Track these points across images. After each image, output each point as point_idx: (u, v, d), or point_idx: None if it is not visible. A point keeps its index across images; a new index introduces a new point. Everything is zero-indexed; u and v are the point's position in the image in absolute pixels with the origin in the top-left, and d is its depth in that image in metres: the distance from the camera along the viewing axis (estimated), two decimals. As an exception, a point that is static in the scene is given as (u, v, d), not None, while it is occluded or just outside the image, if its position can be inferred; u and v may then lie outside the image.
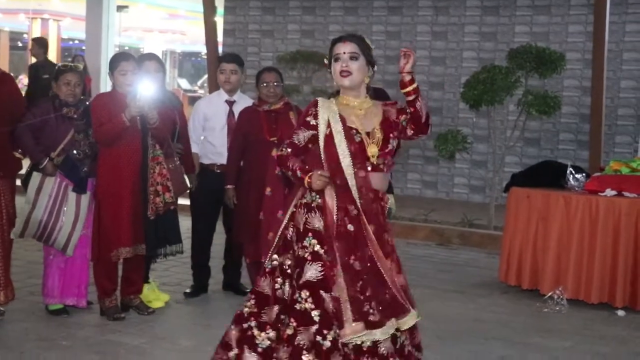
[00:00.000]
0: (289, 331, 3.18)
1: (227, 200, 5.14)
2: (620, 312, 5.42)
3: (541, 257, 5.74)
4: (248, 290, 5.43)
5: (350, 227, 3.18)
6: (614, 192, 5.60)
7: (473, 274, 6.61)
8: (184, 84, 22.36)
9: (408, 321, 3.18)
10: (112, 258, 4.70)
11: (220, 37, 11.85)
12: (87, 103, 4.83)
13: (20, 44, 22.03)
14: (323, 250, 3.17)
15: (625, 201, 5.50)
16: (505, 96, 7.79)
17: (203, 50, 13.27)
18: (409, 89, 3.20)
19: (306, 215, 3.23)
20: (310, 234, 3.21)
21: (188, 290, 5.45)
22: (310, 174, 3.22)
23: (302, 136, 3.30)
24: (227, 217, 5.36)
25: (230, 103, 5.41)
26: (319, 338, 3.14)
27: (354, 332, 3.06)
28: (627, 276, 5.45)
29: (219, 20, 11.88)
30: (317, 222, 3.21)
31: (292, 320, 3.19)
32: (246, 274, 5.50)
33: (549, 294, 5.53)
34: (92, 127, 4.66)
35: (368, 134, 3.26)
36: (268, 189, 4.89)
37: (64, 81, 4.74)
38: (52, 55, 17.71)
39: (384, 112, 3.34)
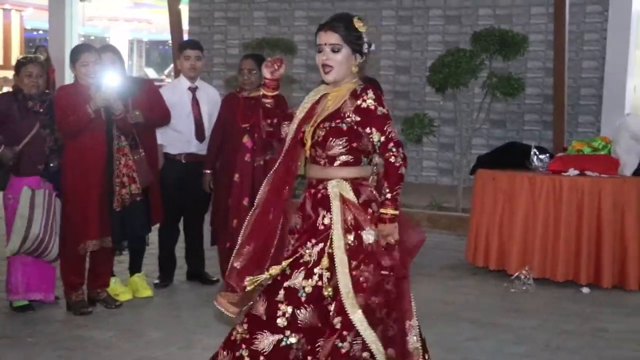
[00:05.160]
0: None
1: (204, 186, 5.20)
2: (585, 289, 5.52)
3: (507, 237, 5.81)
4: (214, 279, 5.48)
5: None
6: (576, 172, 5.68)
7: (442, 256, 6.66)
8: (151, 73, 22.13)
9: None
10: (79, 251, 4.66)
11: (185, 25, 11.75)
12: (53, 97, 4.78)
13: (-18, 36, 21.58)
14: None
15: (587, 180, 5.59)
16: (470, 79, 7.83)
17: (170, 38, 13.15)
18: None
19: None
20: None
21: (157, 281, 5.44)
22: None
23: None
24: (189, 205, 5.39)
25: (193, 89, 5.39)
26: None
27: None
28: (590, 254, 5.54)
29: (185, 8, 11.77)
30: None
31: None
32: (211, 263, 5.54)
33: (516, 274, 5.60)
34: (56, 120, 4.61)
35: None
36: (236, 176, 4.91)
37: (25, 73, 4.66)
38: (15, 46, 17.45)
39: (342, 103, 3.00)
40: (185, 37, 11.00)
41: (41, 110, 4.65)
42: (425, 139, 8.24)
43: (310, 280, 2.92)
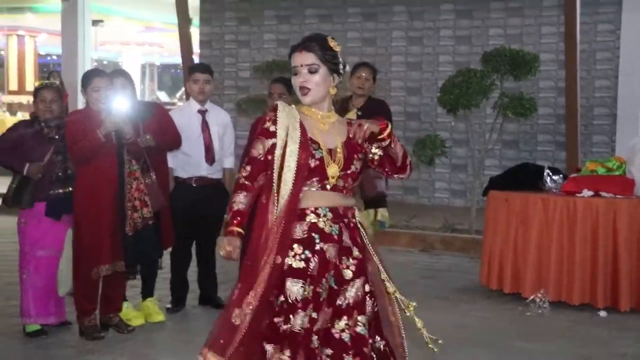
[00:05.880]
0: None
1: None
2: (603, 313, 5.43)
3: (522, 260, 5.74)
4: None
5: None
6: (590, 193, 5.62)
7: (456, 279, 6.61)
8: (163, 96, 22.26)
9: None
10: (92, 276, 4.65)
11: (197, 48, 11.83)
12: None
13: (-3, 61, 21.82)
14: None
15: (602, 201, 5.52)
16: (481, 99, 7.81)
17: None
18: (383, 135, 2.86)
19: None
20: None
21: (169, 306, 5.41)
22: (234, 230, 2.83)
23: (261, 147, 2.88)
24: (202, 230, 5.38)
25: (203, 112, 5.40)
26: None
27: None
28: (607, 276, 5.46)
29: (195, 31, 11.85)
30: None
31: None
32: (223, 287, 5.52)
33: (531, 297, 5.53)
34: (67, 145, 4.62)
35: (330, 151, 2.86)
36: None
37: (40, 99, 4.74)
38: (29, 72, 17.63)
39: (349, 131, 2.93)
40: (196, 60, 11.08)
41: (57, 136, 4.69)
42: (437, 161, 8.22)
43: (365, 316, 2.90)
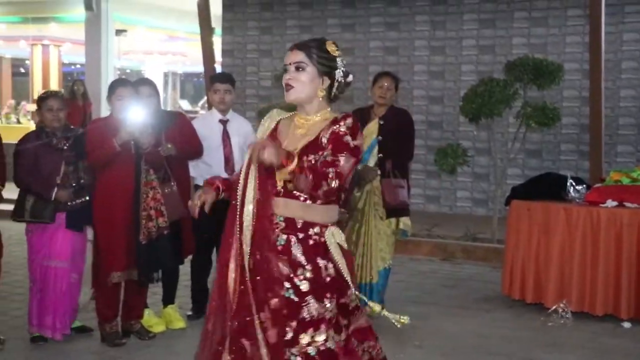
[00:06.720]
0: None
1: None
2: (626, 324, 5.36)
3: (544, 270, 5.69)
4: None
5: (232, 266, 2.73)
6: (614, 203, 5.56)
7: (477, 288, 6.56)
8: (185, 105, 22.41)
9: None
10: (107, 283, 4.68)
11: (219, 58, 11.90)
12: (81, 132, 4.83)
13: (22, 70, 22.13)
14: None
15: (626, 212, 5.46)
16: (504, 109, 7.77)
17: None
18: (286, 169, 2.62)
19: None
20: None
21: (190, 313, 5.43)
22: (213, 182, 3.01)
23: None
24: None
25: (224, 122, 5.43)
26: None
27: None
28: (631, 287, 5.39)
29: (217, 40, 11.93)
30: None
31: None
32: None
33: (553, 307, 5.48)
34: (87, 152, 4.65)
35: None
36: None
37: (46, 108, 4.70)
38: (53, 81, 17.85)
39: (321, 132, 2.75)
40: (219, 68, 11.13)
41: (65, 147, 4.70)
42: (459, 169, 8.18)
43: (341, 334, 2.72)
